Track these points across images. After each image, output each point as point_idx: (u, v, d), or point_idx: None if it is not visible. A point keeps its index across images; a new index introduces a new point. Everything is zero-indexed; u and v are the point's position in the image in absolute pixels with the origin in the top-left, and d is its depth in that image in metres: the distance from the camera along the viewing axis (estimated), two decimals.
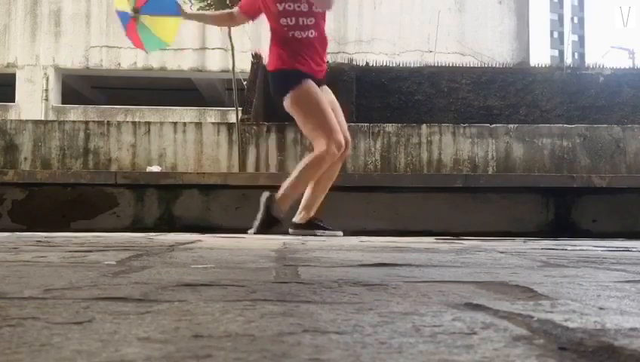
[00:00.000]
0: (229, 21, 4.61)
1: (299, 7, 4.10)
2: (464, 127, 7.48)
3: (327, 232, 4.19)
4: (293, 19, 4.10)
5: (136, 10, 4.35)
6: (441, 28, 15.12)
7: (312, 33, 4.14)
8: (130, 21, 4.37)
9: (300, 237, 4.00)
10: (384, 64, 9.18)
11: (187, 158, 7.20)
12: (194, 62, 16.16)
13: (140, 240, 3.22)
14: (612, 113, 8.31)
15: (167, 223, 5.24)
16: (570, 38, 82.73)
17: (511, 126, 7.56)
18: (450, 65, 9.52)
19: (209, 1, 7.11)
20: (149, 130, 7.28)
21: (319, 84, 4.18)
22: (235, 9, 4.46)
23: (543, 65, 9.40)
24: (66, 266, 1.69)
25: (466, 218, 5.25)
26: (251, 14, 4.37)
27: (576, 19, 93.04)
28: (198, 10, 7.28)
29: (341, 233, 4.23)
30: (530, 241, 3.87)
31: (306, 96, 4.08)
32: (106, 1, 16.37)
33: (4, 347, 0.67)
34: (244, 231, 4.55)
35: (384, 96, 8.31)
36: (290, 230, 4.23)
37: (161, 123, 7.62)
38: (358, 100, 8.18)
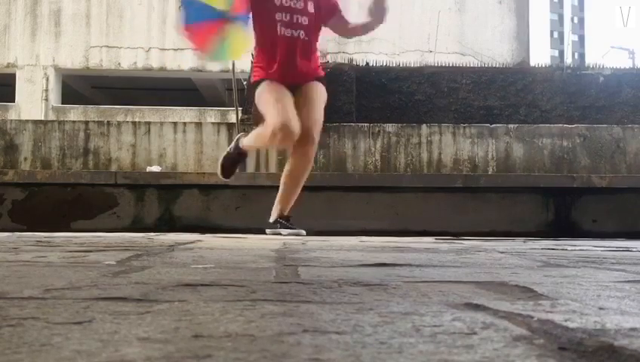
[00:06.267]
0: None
1: (295, 4, 4.10)
2: (464, 127, 7.48)
3: (290, 231, 4.21)
4: (288, 15, 4.10)
5: (231, 16, 4.14)
6: (441, 28, 15.11)
7: (301, 34, 4.13)
8: (215, 21, 4.10)
9: (300, 237, 4.00)
10: (384, 64, 9.17)
11: (187, 158, 7.20)
12: (194, 62, 16.13)
13: (140, 240, 3.22)
14: (612, 113, 8.31)
15: (167, 223, 5.24)
16: (570, 38, 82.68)
17: (511, 126, 7.56)
18: (450, 65, 9.52)
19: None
20: (149, 130, 7.28)
21: (294, 83, 4.19)
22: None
23: (543, 65, 9.39)
24: (66, 266, 1.69)
25: (465, 218, 5.25)
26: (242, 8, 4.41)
27: (576, 19, 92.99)
28: None
29: (304, 232, 4.23)
30: (530, 241, 3.87)
31: (260, 94, 4.19)
32: (106, 1, 16.36)
33: (4, 347, 0.67)
34: (245, 231, 4.56)
35: (384, 96, 8.30)
36: (267, 230, 4.28)
37: (161, 123, 7.62)
38: (358, 100, 8.17)
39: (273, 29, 4.12)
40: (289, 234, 4.14)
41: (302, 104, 4.16)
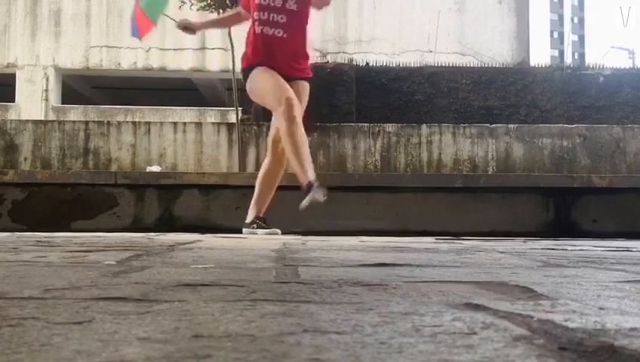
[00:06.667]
0: (237, 20, 4.64)
1: (273, 2, 4.12)
2: (464, 127, 7.48)
3: (265, 231, 4.23)
4: (266, 13, 4.13)
5: None
6: (441, 28, 15.11)
7: (279, 32, 4.14)
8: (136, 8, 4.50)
9: (300, 236, 4.00)
10: (384, 64, 9.17)
11: (187, 158, 7.20)
12: (194, 62, 16.15)
13: (140, 240, 3.22)
14: (612, 113, 8.31)
15: (167, 223, 5.24)
16: (570, 38, 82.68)
17: (511, 126, 7.57)
18: (450, 65, 9.52)
19: (209, 1, 7.11)
20: (149, 130, 7.28)
21: (286, 79, 4.19)
22: (239, 7, 4.51)
23: (543, 65, 9.40)
24: (66, 266, 1.69)
25: (465, 218, 5.25)
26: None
27: (576, 19, 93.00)
28: (198, 10, 7.29)
29: (279, 231, 4.26)
30: (530, 241, 3.87)
31: (256, 78, 4.19)
32: (106, 1, 16.36)
33: (4, 347, 0.67)
34: None
35: (384, 96, 8.31)
36: (244, 229, 4.31)
37: (161, 123, 7.62)
38: (358, 100, 8.17)
39: (253, 27, 4.20)
40: (265, 234, 4.18)
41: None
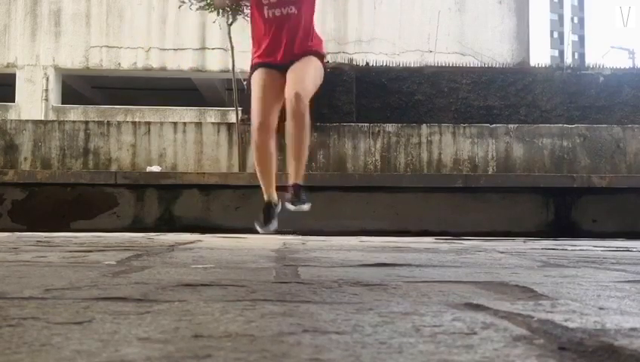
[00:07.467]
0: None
1: None
2: (464, 127, 7.48)
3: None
4: None
5: None
6: (441, 28, 15.11)
7: (291, 9, 4.11)
8: None
9: (300, 236, 4.00)
10: (384, 64, 9.16)
11: (187, 158, 7.20)
12: (194, 62, 16.13)
13: (140, 240, 3.22)
14: (612, 113, 8.30)
15: (167, 223, 5.24)
16: (570, 38, 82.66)
17: (511, 126, 7.57)
18: (450, 65, 9.51)
19: (209, 1, 7.10)
20: (149, 130, 7.28)
21: (287, 62, 4.17)
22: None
23: (543, 65, 9.39)
24: (66, 266, 1.69)
25: (466, 218, 5.25)
26: None
27: (576, 19, 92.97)
28: (197, 9, 7.28)
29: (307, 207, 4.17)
30: (530, 241, 3.87)
31: (251, 84, 4.27)
32: (106, 1, 16.36)
33: (4, 347, 0.67)
34: (244, 231, 4.55)
35: (384, 96, 8.30)
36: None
37: (161, 123, 7.62)
38: (358, 100, 8.17)
39: (262, 13, 4.16)
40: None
41: (290, 73, 4.15)
